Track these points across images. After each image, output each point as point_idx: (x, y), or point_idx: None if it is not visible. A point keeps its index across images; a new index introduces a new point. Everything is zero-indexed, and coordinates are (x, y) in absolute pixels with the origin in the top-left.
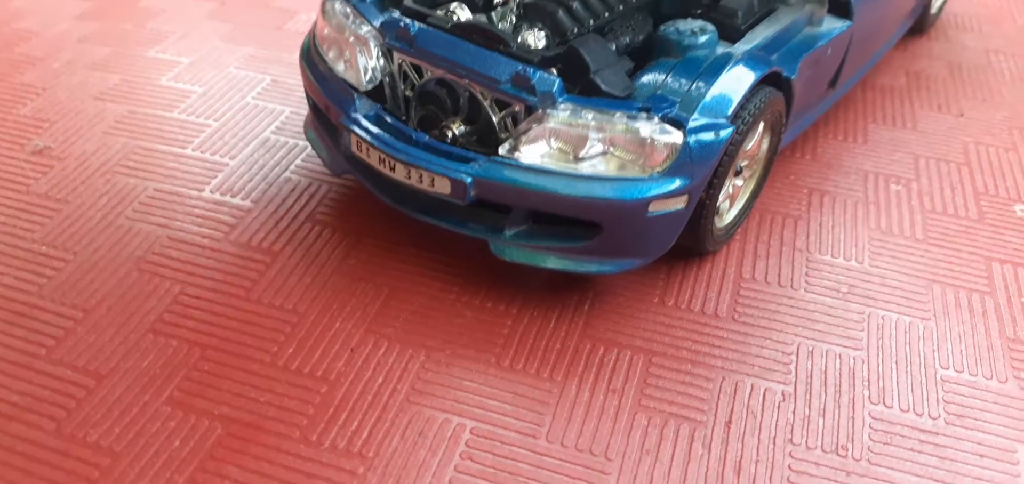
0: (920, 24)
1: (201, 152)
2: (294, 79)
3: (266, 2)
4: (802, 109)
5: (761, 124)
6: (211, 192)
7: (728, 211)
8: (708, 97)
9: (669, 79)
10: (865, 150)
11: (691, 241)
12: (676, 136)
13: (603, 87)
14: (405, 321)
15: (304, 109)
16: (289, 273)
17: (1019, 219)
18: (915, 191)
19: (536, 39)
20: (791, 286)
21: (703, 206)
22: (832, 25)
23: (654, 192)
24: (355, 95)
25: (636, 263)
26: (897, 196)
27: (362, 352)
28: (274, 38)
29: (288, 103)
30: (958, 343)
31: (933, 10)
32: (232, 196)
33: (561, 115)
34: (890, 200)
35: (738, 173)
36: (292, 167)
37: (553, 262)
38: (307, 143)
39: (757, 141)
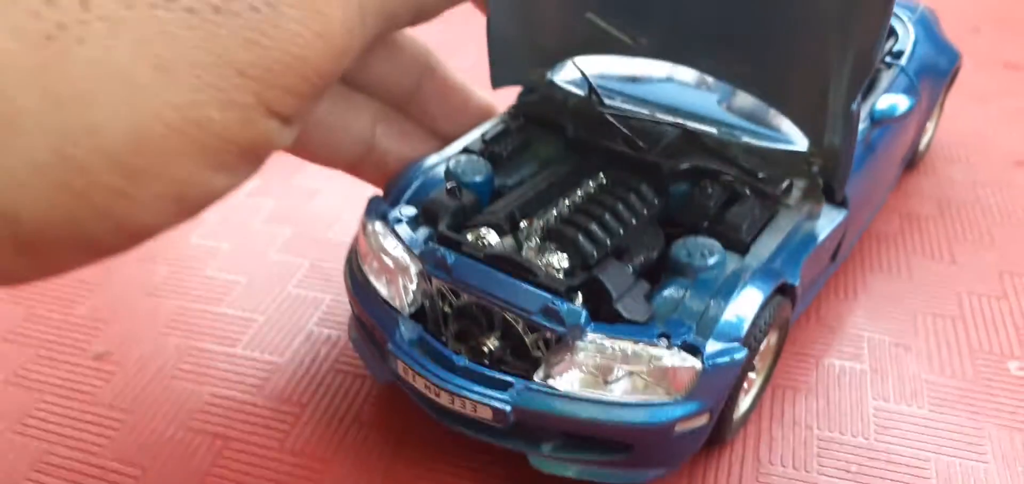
0: (910, 162)
1: (250, 350)
2: (330, 262)
3: (291, 181)
4: (807, 291)
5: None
6: (265, 399)
7: (743, 401)
8: (722, 321)
9: (685, 300)
10: (865, 307)
11: (714, 437)
12: (695, 363)
13: (625, 315)
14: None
15: (343, 297)
16: (316, 424)
17: (1013, 377)
18: (914, 354)
19: (559, 260)
20: (805, 469)
21: (725, 412)
22: (830, 215)
23: (679, 415)
24: (399, 318)
25: (663, 472)
26: (897, 360)
27: None
28: (307, 219)
29: (328, 291)
30: None
31: (921, 147)
32: (281, 404)
33: (589, 347)
34: (890, 366)
35: (751, 368)
36: (337, 361)
37: (588, 474)
38: (345, 338)
39: (766, 343)
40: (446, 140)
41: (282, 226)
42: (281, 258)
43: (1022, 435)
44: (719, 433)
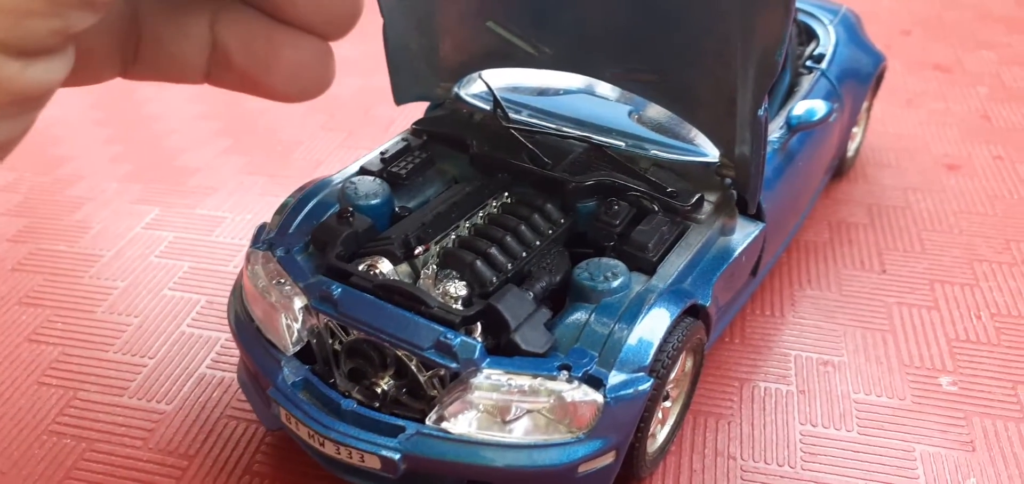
0: (839, 169)
1: (136, 399)
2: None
3: (194, 210)
4: (724, 311)
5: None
6: (150, 451)
7: (660, 433)
8: (626, 348)
9: (587, 326)
10: (792, 324)
11: (626, 473)
12: (597, 396)
13: (523, 346)
14: None
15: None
16: (204, 477)
17: (945, 393)
18: (844, 373)
19: (457, 289)
20: None
21: (635, 447)
22: (745, 229)
23: (581, 455)
24: (282, 360)
25: None
26: (826, 380)
27: None
28: (206, 251)
29: (223, 329)
30: None
31: (850, 154)
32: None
33: (484, 384)
34: (819, 386)
35: (665, 397)
36: (228, 407)
37: None
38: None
39: (681, 365)
40: (305, 27)
41: (180, 259)
42: (175, 294)
43: (954, 455)
44: (632, 469)
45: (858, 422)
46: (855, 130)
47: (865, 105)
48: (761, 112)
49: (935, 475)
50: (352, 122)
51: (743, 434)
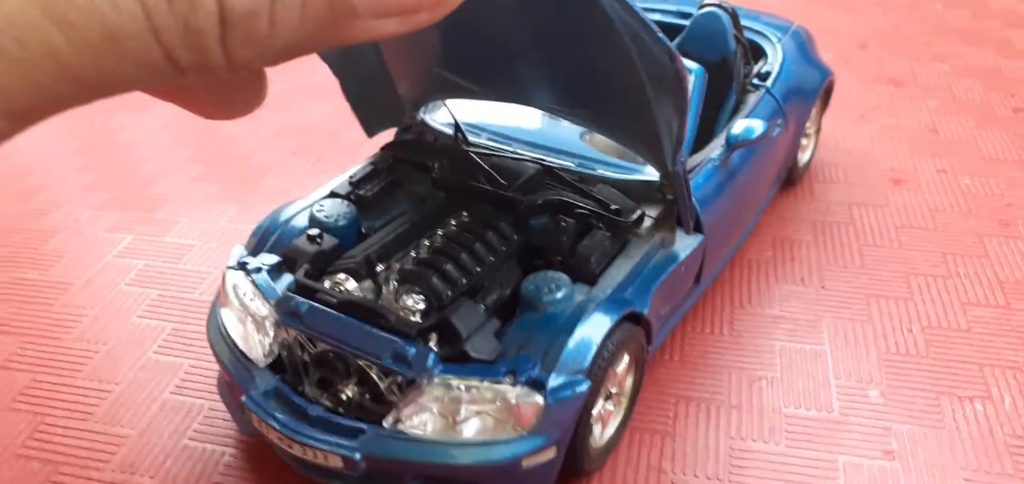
0: (790, 177)
1: (103, 424)
2: (192, 324)
3: (164, 238)
4: (666, 319)
5: (626, 357)
6: (113, 471)
7: (603, 434)
8: (565, 353)
9: (532, 335)
10: (730, 342)
11: (573, 468)
12: (538, 398)
13: (473, 354)
14: None
15: (202, 362)
16: None
17: (873, 405)
18: (776, 388)
19: (415, 302)
20: None
21: (576, 443)
22: (685, 242)
23: (524, 450)
24: (255, 371)
25: None
26: (759, 394)
27: None
28: (174, 279)
29: (188, 356)
30: None
31: (801, 164)
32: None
33: (436, 388)
34: (752, 401)
35: (608, 398)
36: (190, 430)
37: None
38: (199, 405)
39: (625, 370)
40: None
41: (148, 287)
42: (143, 322)
43: (875, 465)
44: (576, 464)
45: (786, 435)
46: (805, 142)
47: (814, 118)
48: (677, 167)
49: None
50: (321, 148)
51: (676, 448)
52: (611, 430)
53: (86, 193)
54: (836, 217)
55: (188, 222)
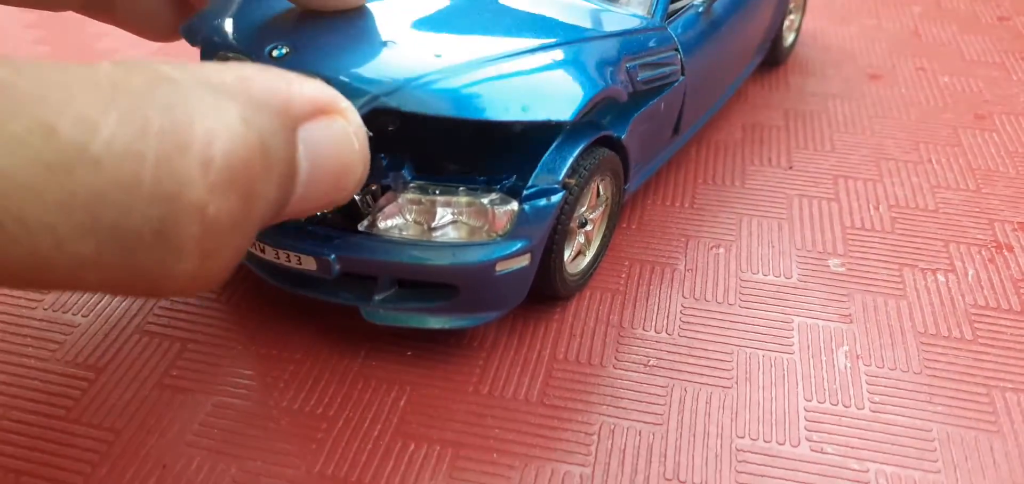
0: (774, 57)
1: (52, 312)
2: None
3: None
4: (645, 160)
5: (599, 178)
6: (59, 362)
7: (577, 259)
8: (541, 164)
9: (510, 151)
10: (691, 213)
11: (546, 289)
12: (513, 204)
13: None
14: (222, 433)
15: None
16: (111, 390)
17: (832, 273)
18: (734, 253)
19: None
20: (600, 364)
21: (550, 257)
22: None
23: (498, 254)
24: None
25: (494, 315)
26: (716, 260)
27: (173, 469)
28: None
29: None
30: (756, 410)
31: (786, 44)
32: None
33: (411, 193)
34: (708, 265)
35: (583, 226)
36: (145, 323)
37: (418, 321)
38: None
39: (599, 193)
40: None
41: None
42: None
43: (831, 326)
44: (550, 286)
45: (740, 296)
46: (792, 17)
47: None
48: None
49: (809, 343)
50: None
51: (626, 305)
52: (589, 258)
53: None
54: (810, 106)
55: None
